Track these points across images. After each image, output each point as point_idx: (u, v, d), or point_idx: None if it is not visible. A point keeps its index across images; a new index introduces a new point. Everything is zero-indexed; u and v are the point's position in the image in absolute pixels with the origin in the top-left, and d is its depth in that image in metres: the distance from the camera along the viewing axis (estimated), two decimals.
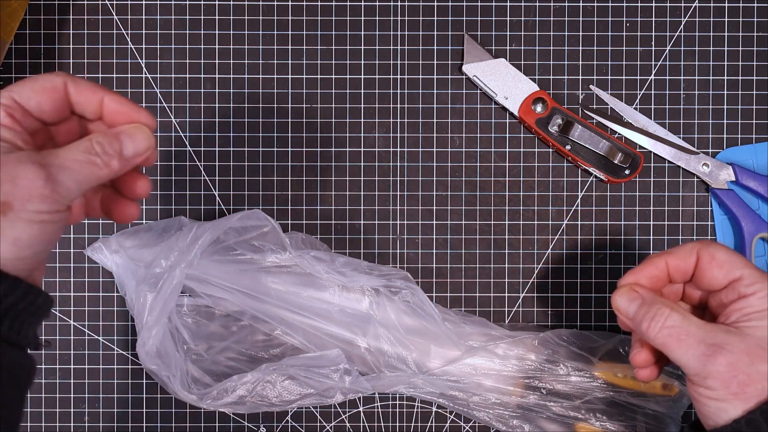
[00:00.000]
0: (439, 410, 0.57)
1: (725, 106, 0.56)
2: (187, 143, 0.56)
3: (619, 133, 0.56)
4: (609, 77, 0.56)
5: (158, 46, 0.56)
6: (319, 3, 0.56)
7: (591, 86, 0.57)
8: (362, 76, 0.56)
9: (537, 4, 0.56)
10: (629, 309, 0.40)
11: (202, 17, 0.56)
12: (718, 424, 0.36)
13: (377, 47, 0.56)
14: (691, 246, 0.40)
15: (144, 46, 0.56)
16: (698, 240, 0.40)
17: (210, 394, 0.52)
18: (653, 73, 0.56)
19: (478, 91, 0.56)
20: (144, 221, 0.56)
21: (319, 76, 0.57)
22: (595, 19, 0.56)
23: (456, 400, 0.54)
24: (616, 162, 0.54)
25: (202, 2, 0.56)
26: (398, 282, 0.53)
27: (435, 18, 0.56)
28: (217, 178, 0.57)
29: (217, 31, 0.56)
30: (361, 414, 0.57)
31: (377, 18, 0.56)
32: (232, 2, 0.56)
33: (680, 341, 0.37)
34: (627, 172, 0.55)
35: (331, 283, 0.54)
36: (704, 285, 0.40)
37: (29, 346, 0.35)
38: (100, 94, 0.37)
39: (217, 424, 0.57)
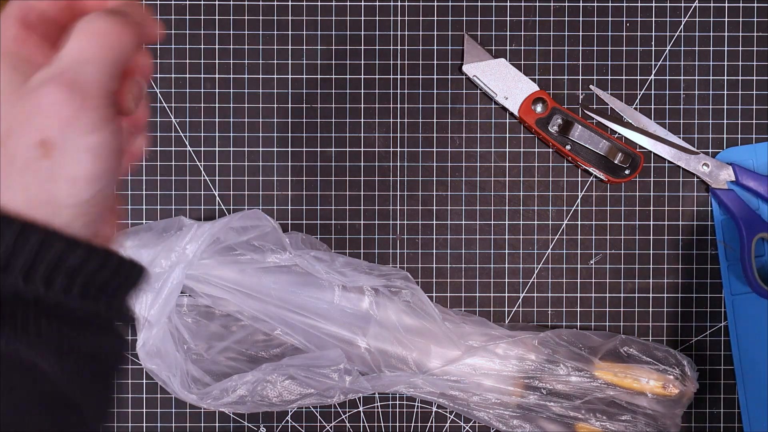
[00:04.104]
0: (439, 410, 0.57)
1: (725, 106, 0.56)
2: (187, 143, 0.56)
3: (619, 133, 0.56)
4: (609, 77, 0.56)
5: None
6: (319, 3, 0.56)
7: (591, 86, 0.57)
8: (362, 76, 0.56)
9: (537, 4, 0.56)
10: None
11: (202, 17, 0.56)
12: None
13: (377, 47, 0.56)
14: None
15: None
16: None
17: (210, 394, 0.52)
18: (653, 73, 0.56)
19: (478, 91, 0.56)
20: (144, 221, 0.56)
21: (319, 76, 0.56)
22: (595, 19, 0.56)
23: (456, 400, 0.54)
24: (616, 162, 0.54)
25: (202, 2, 0.56)
26: (398, 282, 0.53)
27: (435, 18, 0.56)
28: (217, 178, 0.56)
29: (217, 31, 0.56)
30: (361, 414, 0.57)
31: (377, 18, 0.56)
32: (232, 2, 0.56)
33: None
34: (627, 172, 0.55)
35: (331, 283, 0.54)
36: None
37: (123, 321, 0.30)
38: None
39: (217, 424, 0.57)
